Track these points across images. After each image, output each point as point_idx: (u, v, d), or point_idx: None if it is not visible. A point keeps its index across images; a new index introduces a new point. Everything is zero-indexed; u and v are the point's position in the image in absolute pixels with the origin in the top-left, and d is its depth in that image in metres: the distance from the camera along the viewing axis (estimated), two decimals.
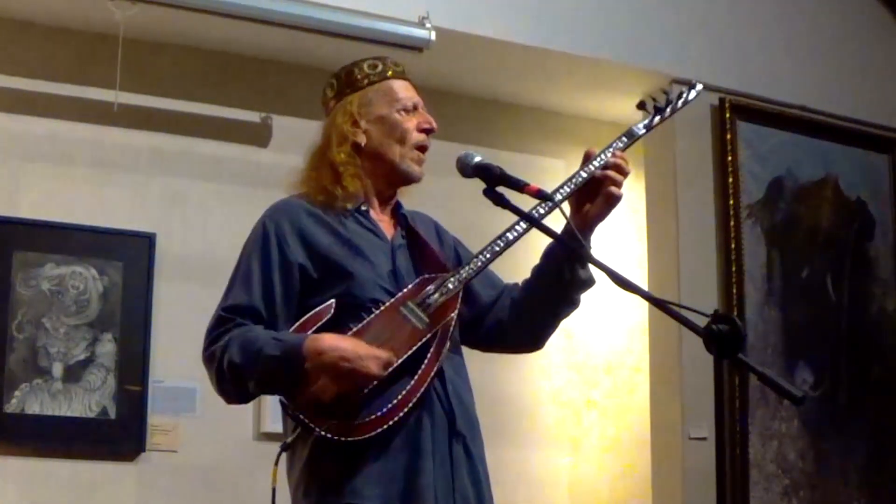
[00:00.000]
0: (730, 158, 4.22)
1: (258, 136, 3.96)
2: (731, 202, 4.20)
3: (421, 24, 3.68)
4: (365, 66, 2.30)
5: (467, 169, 2.13)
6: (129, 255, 3.67)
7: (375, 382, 2.03)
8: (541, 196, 2.05)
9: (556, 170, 4.42)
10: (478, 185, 2.11)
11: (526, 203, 2.09)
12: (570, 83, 4.29)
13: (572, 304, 2.31)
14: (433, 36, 3.66)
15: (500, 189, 2.09)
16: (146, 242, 3.69)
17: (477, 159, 2.12)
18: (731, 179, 4.21)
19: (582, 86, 4.31)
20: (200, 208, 3.83)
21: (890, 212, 4.66)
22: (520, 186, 2.06)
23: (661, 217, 4.24)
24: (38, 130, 3.65)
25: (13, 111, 3.62)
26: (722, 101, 4.23)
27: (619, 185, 2.21)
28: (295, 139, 3.90)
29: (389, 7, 3.67)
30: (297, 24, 3.57)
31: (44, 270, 3.56)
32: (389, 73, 2.29)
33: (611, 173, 2.21)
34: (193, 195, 3.83)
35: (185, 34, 3.79)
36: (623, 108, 4.40)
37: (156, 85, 3.81)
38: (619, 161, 2.22)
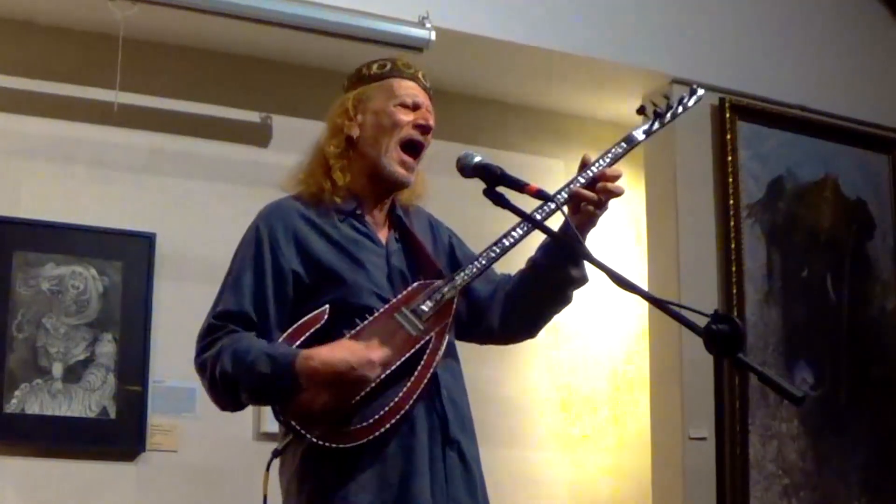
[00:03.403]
0: (730, 158, 4.22)
1: (258, 136, 3.96)
2: (731, 202, 4.20)
3: (421, 24, 3.68)
4: (374, 65, 2.29)
5: (467, 169, 2.12)
6: (129, 255, 3.67)
7: (371, 386, 2.02)
8: (541, 196, 2.05)
9: (555, 170, 4.42)
10: (478, 185, 2.11)
11: (526, 203, 2.09)
12: (570, 83, 4.29)
13: (564, 300, 2.31)
14: (433, 36, 3.66)
15: (501, 189, 2.09)
16: (146, 242, 3.69)
17: (477, 159, 2.12)
18: (731, 179, 4.21)
19: (582, 86, 4.31)
20: (200, 208, 3.82)
21: (890, 212, 4.65)
22: (520, 186, 2.06)
23: (661, 217, 4.24)
24: (38, 130, 3.65)
25: (13, 111, 3.62)
26: (722, 101, 4.23)
27: (612, 197, 2.20)
28: (295, 139, 3.90)
29: (389, 7, 3.67)
30: (297, 24, 3.57)
31: (44, 270, 3.56)
32: (395, 71, 2.27)
33: (610, 185, 2.18)
34: (193, 195, 3.83)
35: (185, 34, 3.79)
36: (623, 108, 4.39)
37: (156, 85, 3.81)
38: (615, 174, 2.21)
